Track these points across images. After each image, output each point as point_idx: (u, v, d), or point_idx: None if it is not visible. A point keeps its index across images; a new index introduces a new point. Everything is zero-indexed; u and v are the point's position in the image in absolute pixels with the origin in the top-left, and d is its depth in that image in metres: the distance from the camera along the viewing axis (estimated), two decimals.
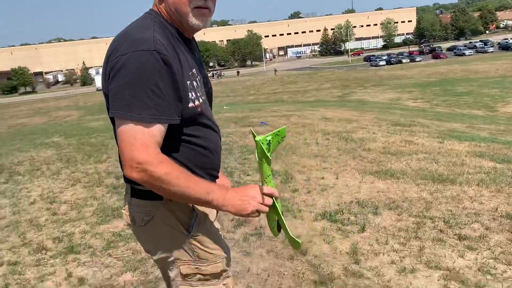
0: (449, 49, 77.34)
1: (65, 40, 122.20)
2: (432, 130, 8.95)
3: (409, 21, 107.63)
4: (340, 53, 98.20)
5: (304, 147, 6.65)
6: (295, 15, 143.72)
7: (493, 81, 35.62)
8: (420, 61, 67.92)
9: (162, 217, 1.39)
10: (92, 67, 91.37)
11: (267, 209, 1.37)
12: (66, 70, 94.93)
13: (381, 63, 68.41)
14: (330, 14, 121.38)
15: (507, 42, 75.87)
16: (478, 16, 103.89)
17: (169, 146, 1.29)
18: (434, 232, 3.25)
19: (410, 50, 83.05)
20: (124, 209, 1.49)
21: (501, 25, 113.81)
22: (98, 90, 74.52)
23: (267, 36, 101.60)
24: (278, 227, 1.48)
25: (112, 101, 1.21)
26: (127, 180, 1.39)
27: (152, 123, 1.20)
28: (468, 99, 27.31)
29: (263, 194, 1.36)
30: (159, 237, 1.42)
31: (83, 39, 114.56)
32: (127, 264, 3.01)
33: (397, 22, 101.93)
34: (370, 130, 8.34)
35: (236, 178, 4.84)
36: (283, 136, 1.44)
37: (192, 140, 1.38)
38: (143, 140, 1.18)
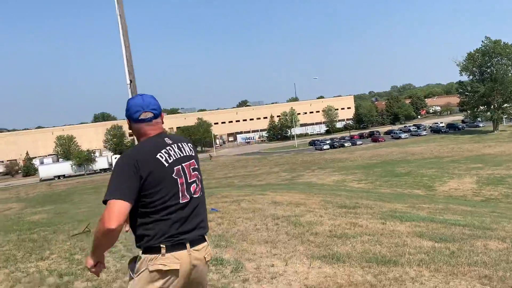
0: (386, 133, 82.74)
1: (8, 130, 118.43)
2: (375, 211, 9.35)
3: (348, 108, 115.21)
4: (286, 138, 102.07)
5: (254, 233, 6.73)
6: (243, 103, 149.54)
7: (429, 162, 38.11)
8: (361, 144, 71.84)
9: None
10: (36, 157, 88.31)
11: None
12: (8, 160, 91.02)
13: (325, 147, 71.62)
14: (276, 102, 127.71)
15: (437, 125, 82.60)
16: (410, 102, 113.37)
17: None
18: None
19: (351, 134, 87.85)
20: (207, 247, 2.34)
21: (431, 110, 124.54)
22: (41, 180, 71.55)
23: (217, 123, 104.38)
24: None
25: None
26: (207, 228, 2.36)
27: None
28: (408, 179, 28.86)
29: None
30: None
31: (27, 128, 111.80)
32: None
33: (337, 109, 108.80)
34: (317, 213, 8.60)
35: None
36: None
37: None
38: None
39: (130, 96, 9.72)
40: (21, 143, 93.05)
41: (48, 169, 75.88)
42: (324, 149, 70.00)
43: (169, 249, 2.16)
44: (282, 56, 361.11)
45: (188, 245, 2.21)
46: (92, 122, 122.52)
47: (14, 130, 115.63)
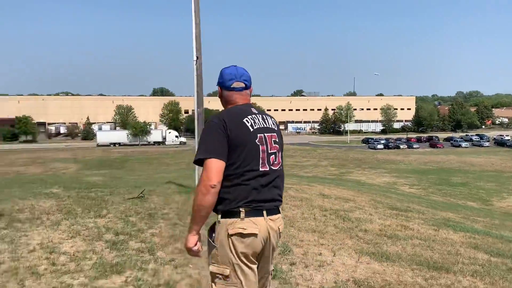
0: (446, 140, 79.29)
1: (72, 95, 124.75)
2: (427, 217, 9.06)
3: (408, 109, 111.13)
4: (339, 133, 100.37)
5: (301, 221, 6.73)
6: (298, 93, 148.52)
7: (489, 175, 36.18)
8: (418, 148, 69.36)
9: None
10: (95, 123, 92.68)
11: None
12: (69, 123, 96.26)
13: (379, 146, 69.80)
14: (332, 95, 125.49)
15: (502, 138, 77.99)
16: (475, 111, 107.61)
17: None
18: None
19: (408, 136, 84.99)
20: (281, 218, 2.38)
21: (497, 122, 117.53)
22: (98, 145, 75.14)
23: (269, 110, 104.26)
24: None
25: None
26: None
27: None
28: (463, 190, 27.61)
29: None
30: None
31: (90, 95, 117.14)
32: None
33: (396, 109, 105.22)
34: (366, 211, 8.45)
35: None
36: None
37: None
38: None
39: (195, 72, 9.90)
40: (83, 108, 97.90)
41: (105, 135, 79.44)
42: (378, 149, 68.24)
43: (248, 214, 2.21)
44: (342, 48, 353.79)
45: (265, 212, 2.26)
46: (151, 96, 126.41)
47: (78, 95, 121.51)
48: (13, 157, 52.93)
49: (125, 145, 77.55)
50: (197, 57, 9.51)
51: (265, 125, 2.38)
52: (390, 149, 68.75)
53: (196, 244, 2.27)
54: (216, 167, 2.16)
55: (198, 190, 2.18)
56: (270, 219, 2.28)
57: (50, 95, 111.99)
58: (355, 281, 4.00)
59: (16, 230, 5.35)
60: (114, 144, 77.35)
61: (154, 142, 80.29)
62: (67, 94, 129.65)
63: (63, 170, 37.21)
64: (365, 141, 79.23)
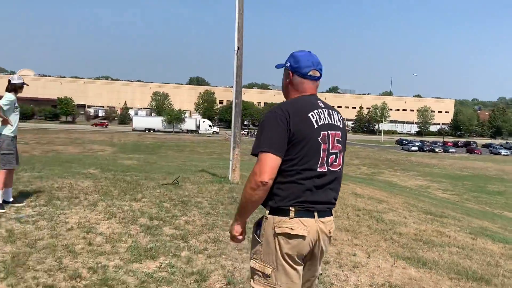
0: (484, 146, 76.79)
1: (112, 79, 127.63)
2: (463, 224, 8.75)
3: (446, 112, 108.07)
4: (372, 132, 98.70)
5: (334, 219, 6.62)
6: (333, 90, 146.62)
7: None
8: (454, 153, 67.48)
9: None
10: (132, 108, 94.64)
11: None
12: (108, 106, 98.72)
13: (413, 148, 68.33)
14: (368, 94, 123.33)
15: None
16: None
17: None
18: None
19: (444, 140, 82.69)
20: (332, 222, 2.25)
21: None
22: (133, 130, 76.79)
23: None
24: None
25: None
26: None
27: None
28: (500, 199, 26.66)
29: None
30: None
31: (129, 80, 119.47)
32: None
33: (434, 111, 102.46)
34: (401, 214, 8.24)
35: None
36: None
37: None
38: None
39: (235, 63, 9.86)
40: (121, 93, 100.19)
41: (141, 121, 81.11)
42: (412, 151, 66.80)
43: (297, 214, 2.09)
44: (381, 46, 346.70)
45: (316, 214, 2.13)
46: (187, 84, 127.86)
47: (117, 79, 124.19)
48: (53, 136, 54.88)
49: (159, 131, 78.91)
50: (238, 48, 9.47)
51: (330, 122, 2.20)
52: (425, 152, 67.20)
53: (240, 234, 2.21)
54: (271, 163, 2.01)
55: (248, 183, 2.05)
56: (321, 221, 2.14)
57: (90, 78, 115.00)
58: (391, 286, 3.88)
59: (55, 208, 5.50)
60: (149, 129, 78.83)
61: (187, 130, 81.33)
62: (107, 78, 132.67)
63: (99, 151, 38.27)
64: (399, 142, 77.72)
